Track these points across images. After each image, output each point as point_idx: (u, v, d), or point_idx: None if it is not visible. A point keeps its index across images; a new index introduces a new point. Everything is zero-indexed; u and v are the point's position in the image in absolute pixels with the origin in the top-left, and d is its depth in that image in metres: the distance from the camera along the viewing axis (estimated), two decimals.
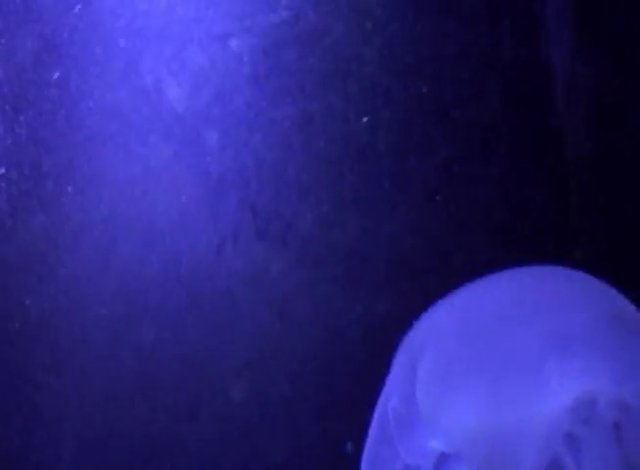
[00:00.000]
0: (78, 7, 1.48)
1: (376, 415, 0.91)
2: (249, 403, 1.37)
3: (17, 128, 1.49)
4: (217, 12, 1.48)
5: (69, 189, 1.47)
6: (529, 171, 1.36)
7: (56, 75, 1.48)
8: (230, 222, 1.42)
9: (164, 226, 1.44)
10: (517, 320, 0.78)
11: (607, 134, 1.35)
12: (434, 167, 1.39)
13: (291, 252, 1.40)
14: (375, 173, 1.40)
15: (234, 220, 1.42)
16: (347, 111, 1.42)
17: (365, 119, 1.41)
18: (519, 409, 0.72)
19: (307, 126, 1.43)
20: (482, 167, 1.37)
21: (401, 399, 0.85)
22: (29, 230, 1.46)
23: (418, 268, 1.36)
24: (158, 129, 1.46)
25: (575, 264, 1.31)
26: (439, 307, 0.88)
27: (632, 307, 0.82)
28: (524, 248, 1.34)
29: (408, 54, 1.42)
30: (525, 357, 0.74)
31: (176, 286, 1.42)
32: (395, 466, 0.86)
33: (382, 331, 1.35)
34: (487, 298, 0.84)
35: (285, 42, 1.45)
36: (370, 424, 1.23)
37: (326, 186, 1.41)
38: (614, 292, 0.83)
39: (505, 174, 1.37)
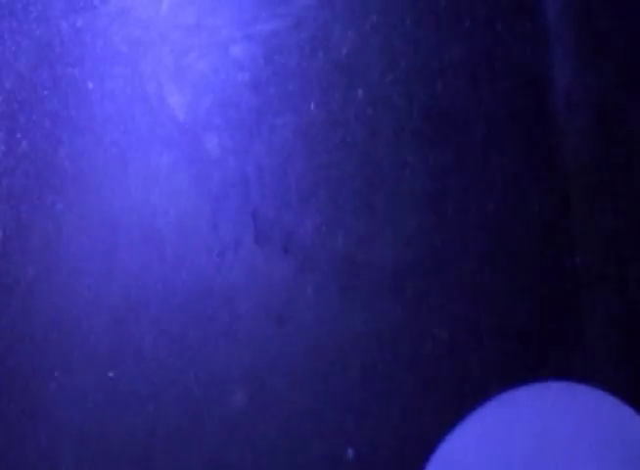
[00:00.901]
0: (79, 13, 1.49)
1: None
2: (249, 411, 1.37)
3: (15, 135, 1.49)
4: (218, 19, 1.48)
5: (70, 196, 1.47)
6: (529, 177, 1.36)
7: (56, 82, 1.49)
8: (231, 229, 1.42)
9: (165, 233, 1.44)
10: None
11: (607, 140, 1.35)
12: (435, 174, 1.39)
13: (291, 259, 1.40)
14: (376, 180, 1.40)
15: (235, 227, 1.42)
16: (348, 117, 1.42)
17: (365, 127, 1.41)
18: None
19: (308, 133, 1.43)
20: (482, 174, 1.37)
21: None
22: (29, 237, 1.46)
23: (419, 275, 1.36)
24: (158, 136, 1.47)
25: (575, 271, 1.31)
26: (456, 442, 0.88)
27: None
28: (523, 254, 1.34)
29: (408, 60, 1.42)
30: None
31: (176, 293, 1.42)
32: None
33: (383, 338, 1.35)
34: (506, 443, 0.83)
35: (286, 49, 1.45)
36: (371, 430, 1.23)
37: (327, 193, 1.41)
38: (633, 417, 0.83)
39: (505, 181, 1.37)
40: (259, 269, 1.40)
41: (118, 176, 1.46)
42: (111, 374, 1.39)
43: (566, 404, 0.85)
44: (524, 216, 1.35)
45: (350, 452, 1.31)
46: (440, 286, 1.35)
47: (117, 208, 1.45)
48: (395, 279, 1.37)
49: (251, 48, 1.46)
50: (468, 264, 1.35)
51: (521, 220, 1.35)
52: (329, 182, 1.41)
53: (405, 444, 1.30)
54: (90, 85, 1.48)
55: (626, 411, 0.84)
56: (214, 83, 1.47)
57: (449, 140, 1.39)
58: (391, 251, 1.38)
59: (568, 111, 1.36)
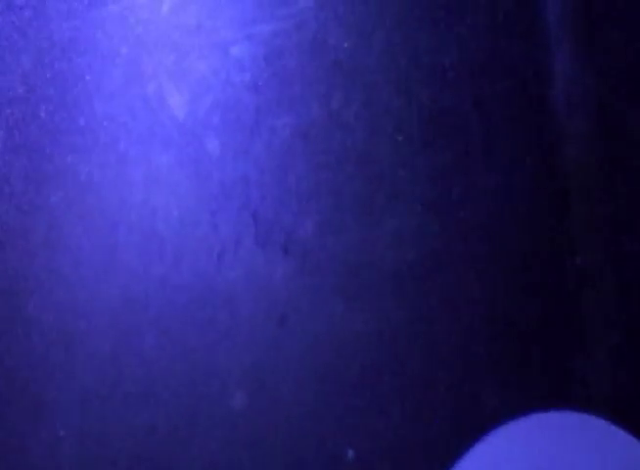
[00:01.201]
0: (80, 15, 1.49)
1: None
2: (249, 412, 1.37)
3: (16, 135, 1.49)
4: (218, 20, 1.48)
5: (70, 196, 1.47)
6: (530, 179, 1.36)
7: (57, 83, 1.49)
8: (231, 230, 1.42)
9: (165, 234, 1.44)
10: None
11: (607, 140, 1.35)
12: (435, 175, 1.39)
13: (291, 259, 1.40)
14: (375, 181, 1.40)
15: (235, 228, 1.42)
16: (348, 118, 1.42)
17: (365, 128, 1.41)
18: None
19: (308, 134, 1.43)
20: (482, 175, 1.37)
21: None
22: (31, 237, 1.46)
23: (418, 276, 1.36)
24: (158, 136, 1.47)
25: (576, 272, 1.31)
26: None
27: None
28: (524, 257, 1.34)
29: (408, 62, 1.42)
30: None
31: (177, 294, 1.42)
32: None
33: (383, 339, 1.35)
34: None
35: (286, 50, 1.45)
36: (371, 431, 1.23)
37: (326, 194, 1.41)
38: (636, 447, 0.83)
39: (505, 181, 1.37)
40: (259, 270, 1.40)
41: (119, 176, 1.46)
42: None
43: (569, 435, 0.85)
44: (524, 217, 1.35)
45: (350, 453, 1.31)
46: (440, 287, 1.35)
47: (117, 208, 1.45)
48: (395, 280, 1.37)
49: (251, 49, 1.46)
50: (468, 265, 1.35)
51: (521, 221, 1.35)
52: (329, 183, 1.41)
53: (405, 444, 1.30)
54: (90, 86, 1.48)
55: (630, 442, 0.84)
56: (214, 84, 1.47)
57: (449, 141, 1.39)
58: (391, 251, 1.38)
59: (568, 111, 1.36)
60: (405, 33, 1.43)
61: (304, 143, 1.43)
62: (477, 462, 0.85)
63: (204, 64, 1.47)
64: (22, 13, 1.49)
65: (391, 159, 1.40)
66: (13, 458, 1.39)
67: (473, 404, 1.28)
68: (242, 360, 1.39)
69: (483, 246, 1.35)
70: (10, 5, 1.49)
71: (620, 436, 0.83)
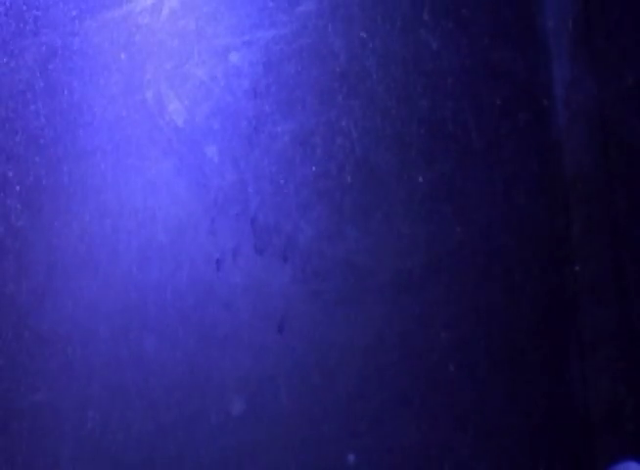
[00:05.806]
0: (80, 21, 1.49)
1: None
2: (248, 417, 1.37)
3: (17, 141, 1.49)
4: (218, 26, 1.48)
5: (70, 202, 1.47)
6: (529, 186, 1.36)
7: (57, 88, 1.49)
8: (230, 236, 1.42)
9: (164, 240, 1.44)
10: None
11: (606, 147, 1.35)
12: (434, 182, 1.39)
13: (290, 266, 1.40)
14: (374, 188, 1.40)
15: (234, 235, 1.42)
16: (347, 125, 1.42)
17: (364, 135, 1.42)
18: None
19: (307, 140, 1.43)
20: (482, 182, 1.37)
21: None
22: (29, 244, 1.46)
23: (417, 282, 1.36)
24: (157, 143, 1.47)
25: (575, 278, 1.32)
26: None
27: None
28: (524, 264, 1.34)
29: (408, 69, 1.42)
30: None
31: (176, 300, 1.42)
32: None
33: (382, 344, 1.35)
34: None
35: (285, 56, 1.45)
36: (371, 437, 1.23)
37: (326, 201, 1.41)
38: None
39: (505, 189, 1.37)
40: (258, 276, 1.40)
41: (117, 183, 1.46)
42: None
43: None
44: (523, 224, 1.35)
45: (351, 458, 1.31)
46: (439, 294, 1.35)
47: (117, 214, 1.45)
48: (394, 287, 1.37)
49: (250, 55, 1.46)
50: (467, 272, 1.35)
51: (521, 228, 1.35)
52: (328, 190, 1.41)
53: (405, 450, 1.30)
54: (90, 91, 1.48)
55: None
56: (213, 90, 1.47)
57: (449, 148, 1.39)
58: (391, 259, 1.38)
59: (567, 118, 1.37)
60: (405, 40, 1.43)
61: (304, 150, 1.43)
62: None
63: (203, 70, 1.47)
64: (22, 18, 1.49)
65: (391, 166, 1.40)
66: (14, 461, 1.39)
67: (474, 410, 1.28)
68: (240, 366, 1.39)
69: (483, 253, 1.35)
70: (11, 10, 1.49)
71: None
